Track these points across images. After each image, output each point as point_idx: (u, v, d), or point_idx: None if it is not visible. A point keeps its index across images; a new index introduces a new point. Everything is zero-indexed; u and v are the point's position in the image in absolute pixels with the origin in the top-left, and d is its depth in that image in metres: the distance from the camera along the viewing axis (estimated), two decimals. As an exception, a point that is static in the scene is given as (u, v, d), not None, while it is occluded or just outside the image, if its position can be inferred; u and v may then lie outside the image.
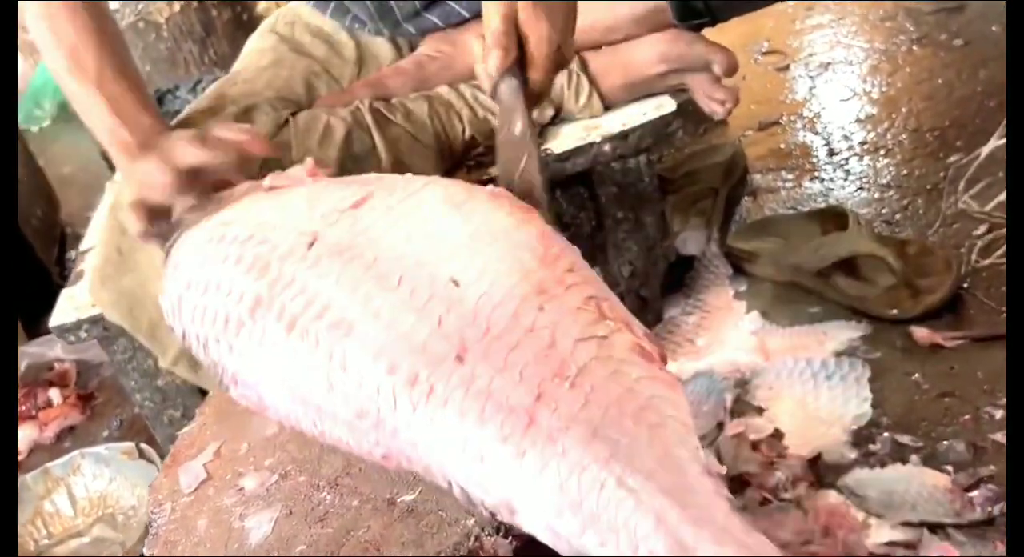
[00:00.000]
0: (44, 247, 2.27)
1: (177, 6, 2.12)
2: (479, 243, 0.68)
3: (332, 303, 0.68)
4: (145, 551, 0.76)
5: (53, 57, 1.07)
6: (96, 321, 1.28)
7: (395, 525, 0.70)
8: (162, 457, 1.42)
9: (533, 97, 0.96)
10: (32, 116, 3.46)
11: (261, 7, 2.37)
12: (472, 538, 0.67)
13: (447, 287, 0.65)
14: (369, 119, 1.26)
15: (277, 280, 0.72)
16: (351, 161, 1.23)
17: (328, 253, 0.71)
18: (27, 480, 1.52)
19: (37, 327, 2.00)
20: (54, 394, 1.79)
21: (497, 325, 0.62)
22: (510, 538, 0.68)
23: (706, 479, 0.57)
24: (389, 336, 0.65)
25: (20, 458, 1.71)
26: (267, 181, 0.89)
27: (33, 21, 1.09)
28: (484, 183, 1.30)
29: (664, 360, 0.63)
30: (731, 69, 1.32)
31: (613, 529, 0.55)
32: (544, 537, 0.58)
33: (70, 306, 1.31)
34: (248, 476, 0.79)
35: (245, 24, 2.17)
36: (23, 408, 1.76)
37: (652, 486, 0.55)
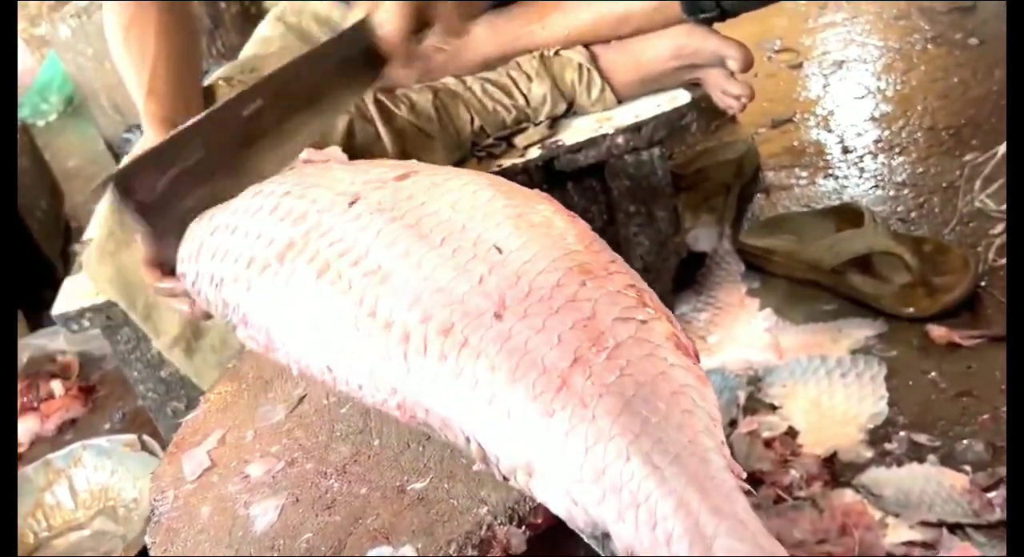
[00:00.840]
0: (48, 239, 2.26)
1: (186, -2, 2.10)
2: (524, 222, 0.68)
3: (370, 253, 0.68)
4: (147, 538, 0.74)
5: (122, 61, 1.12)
6: (99, 310, 1.26)
7: (405, 513, 0.67)
8: (165, 449, 1.41)
9: (389, 44, 0.91)
10: (38, 110, 3.45)
11: (267, 2, 2.35)
12: (484, 527, 0.65)
13: (490, 251, 0.65)
14: (373, 110, 1.24)
15: (314, 228, 0.72)
16: (355, 152, 1.21)
17: (370, 210, 0.71)
18: (28, 472, 1.51)
19: (40, 319, 1.99)
20: (56, 386, 1.78)
21: (539, 290, 0.61)
22: (523, 528, 0.66)
23: (729, 474, 0.55)
24: (426, 287, 0.64)
25: (21, 450, 1.70)
26: (303, 155, 0.89)
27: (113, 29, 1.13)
28: (495, 174, 1.30)
29: (697, 357, 0.61)
30: (746, 64, 1.30)
31: (633, 503, 0.53)
32: (558, 503, 0.57)
33: (73, 294, 1.30)
34: (254, 463, 0.77)
35: (253, 17, 2.15)
36: (25, 400, 1.75)
37: (677, 469, 0.53)
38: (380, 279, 0.66)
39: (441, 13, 0.94)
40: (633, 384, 0.57)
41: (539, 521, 0.66)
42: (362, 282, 0.67)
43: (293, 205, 0.76)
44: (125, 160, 1.23)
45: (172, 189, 0.86)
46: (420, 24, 0.93)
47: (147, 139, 1.05)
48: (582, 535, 0.57)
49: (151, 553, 0.73)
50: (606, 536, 0.55)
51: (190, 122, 0.90)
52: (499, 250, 0.65)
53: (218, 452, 0.80)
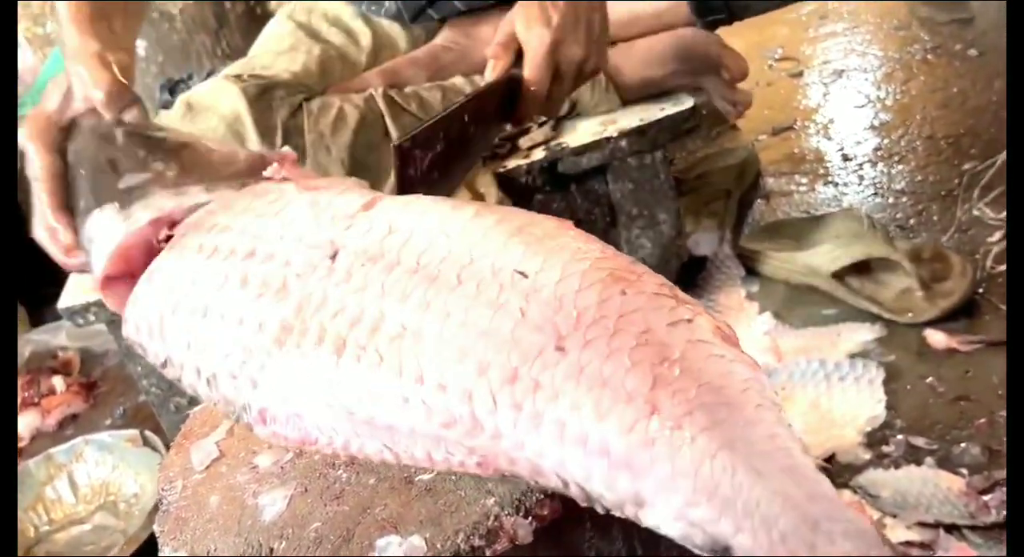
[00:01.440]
0: (50, 237, 2.26)
1: (191, -1, 2.12)
2: (529, 237, 0.64)
3: (385, 315, 0.62)
4: (156, 528, 0.75)
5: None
6: (104, 304, 1.27)
7: (413, 503, 0.68)
8: (167, 445, 1.41)
9: (532, 99, 1.01)
10: (40, 109, 3.45)
11: (273, 4, 2.37)
12: (491, 518, 0.66)
13: (516, 278, 0.61)
14: (382, 106, 1.25)
15: (304, 302, 0.66)
16: (363, 148, 1.23)
17: (359, 262, 0.65)
18: (29, 466, 1.51)
19: (41, 316, 2.00)
20: (57, 382, 1.78)
21: (587, 312, 0.58)
22: (530, 519, 0.66)
23: (808, 458, 0.57)
24: (468, 335, 0.59)
25: (22, 444, 1.70)
26: (267, 172, 0.82)
27: None
28: (499, 175, 1.31)
29: (736, 340, 0.61)
30: (740, 75, 1.33)
31: (747, 513, 0.54)
32: (673, 528, 0.56)
33: (79, 289, 1.31)
34: (262, 454, 0.78)
35: (258, 18, 2.16)
36: (26, 395, 1.75)
37: (772, 466, 0.54)
38: (412, 339, 0.61)
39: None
40: (711, 392, 0.56)
41: (546, 513, 0.67)
42: (392, 349, 0.61)
43: (265, 273, 0.68)
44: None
45: (431, 168, 0.94)
46: (555, 73, 1.03)
47: (70, 36, 0.93)
48: (698, 552, 0.57)
49: (160, 541, 0.73)
50: (727, 549, 0.55)
51: (447, 111, 0.98)
52: (524, 275, 0.61)
53: (227, 443, 0.81)
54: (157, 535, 0.74)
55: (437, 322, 0.60)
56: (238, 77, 1.25)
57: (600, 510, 0.59)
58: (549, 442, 0.57)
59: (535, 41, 1.00)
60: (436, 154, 0.96)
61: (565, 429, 0.57)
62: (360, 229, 0.68)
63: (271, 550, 0.68)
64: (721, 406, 0.56)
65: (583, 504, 0.59)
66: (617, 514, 0.59)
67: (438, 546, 0.64)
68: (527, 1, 1.01)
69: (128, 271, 0.81)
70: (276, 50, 1.36)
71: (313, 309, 0.65)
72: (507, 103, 1.03)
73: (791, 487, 0.54)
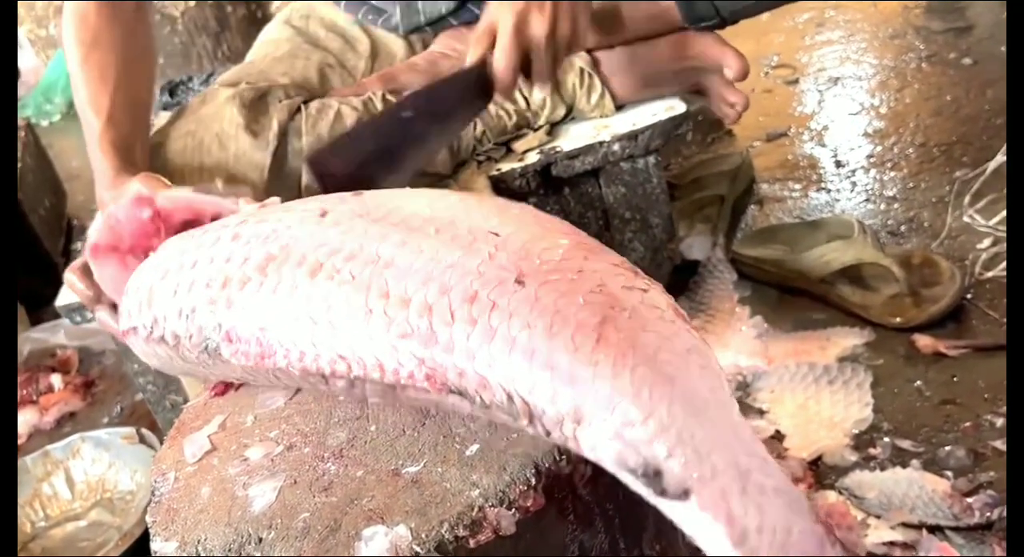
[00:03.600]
0: (50, 237, 2.28)
1: (192, 2, 2.13)
2: (507, 215, 0.70)
3: (364, 247, 0.68)
4: (148, 518, 0.76)
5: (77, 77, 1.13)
6: (103, 302, 1.28)
7: (399, 495, 0.69)
8: (163, 443, 1.43)
9: (502, 79, 1.08)
10: (43, 110, 3.48)
11: (274, 6, 2.38)
12: (476, 509, 0.67)
13: (488, 235, 0.66)
14: (380, 108, 1.27)
15: (291, 241, 0.71)
16: None
17: (347, 217, 0.71)
18: (26, 462, 1.52)
19: (40, 315, 2.02)
20: (56, 380, 1.80)
21: (549, 262, 0.64)
22: (513, 510, 0.68)
23: (745, 420, 0.60)
24: (435, 266, 0.65)
25: (20, 441, 1.72)
26: (244, 204, 0.89)
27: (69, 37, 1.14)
28: (494, 179, 1.33)
29: (689, 322, 0.65)
30: (742, 72, 1.33)
31: (680, 441, 0.57)
32: (608, 447, 0.59)
33: (77, 286, 1.32)
34: (253, 447, 0.79)
35: (259, 21, 2.18)
36: (24, 393, 1.77)
37: (713, 413, 0.58)
38: (384, 265, 0.67)
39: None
40: (656, 340, 0.60)
41: (529, 504, 0.69)
42: (365, 270, 0.67)
43: (257, 229, 0.75)
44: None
45: (359, 172, 1.01)
46: (525, 61, 1.09)
47: (100, 163, 1.07)
48: (630, 476, 0.59)
49: (152, 531, 0.75)
50: (657, 473, 0.58)
51: (368, 120, 1.11)
52: (496, 234, 0.66)
53: (218, 436, 0.82)
54: (149, 525, 0.75)
55: (409, 255, 0.66)
56: (235, 85, 1.26)
57: (541, 431, 0.62)
58: (499, 354, 0.62)
59: (502, 22, 1.07)
60: (367, 156, 1.03)
61: (515, 344, 0.61)
62: (351, 204, 0.74)
63: (260, 540, 0.69)
64: (664, 351, 0.60)
65: (523, 423, 0.63)
66: (555, 435, 0.62)
67: (423, 536, 0.66)
68: None
69: (115, 242, 0.90)
70: (275, 55, 1.37)
71: (299, 245, 0.71)
72: (485, 87, 1.10)
73: (728, 435, 0.58)
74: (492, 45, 1.09)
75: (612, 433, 0.59)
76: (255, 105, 1.22)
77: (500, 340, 0.62)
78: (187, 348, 0.78)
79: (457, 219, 0.69)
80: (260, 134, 1.19)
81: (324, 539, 0.68)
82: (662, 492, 0.58)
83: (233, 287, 0.72)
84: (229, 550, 0.69)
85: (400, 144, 1.06)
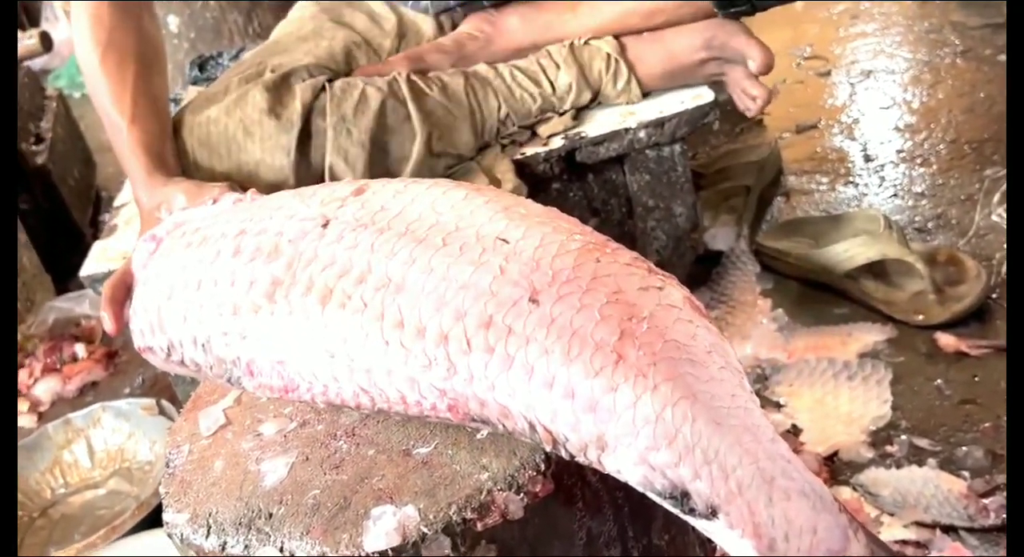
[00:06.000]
0: (79, 207, 2.30)
1: (225, -24, 2.14)
2: (513, 214, 0.68)
3: (372, 268, 0.66)
4: (161, 489, 0.77)
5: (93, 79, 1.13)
6: (126, 274, 1.29)
7: (409, 475, 0.70)
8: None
9: None
10: (75, 82, 3.50)
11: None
12: (484, 492, 0.67)
13: (497, 243, 0.65)
14: (405, 90, 1.26)
15: (295, 259, 0.69)
16: (384, 131, 1.24)
17: (350, 228, 0.69)
18: (48, 429, 1.55)
19: (67, 285, 2.04)
20: (79, 349, 1.81)
21: (562, 272, 0.62)
22: (522, 495, 0.68)
23: (766, 419, 0.61)
24: (448, 287, 0.63)
25: (42, 409, 1.74)
26: (227, 197, 0.90)
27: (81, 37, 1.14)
28: (517, 163, 1.32)
29: (707, 315, 0.65)
30: (766, 66, 1.32)
31: (706, 460, 0.57)
32: (634, 472, 0.59)
33: (102, 257, 1.33)
34: (267, 423, 0.80)
35: (290, -2, 2.18)
36: (48, 361, 1.79)
37: (733, 421, 0.58)
38: (395, 290, 0.65)
39: None
40: (676, 348, 0.60)
41: (538, 490, 0.69)
42: (376, 297, 0.65)
43: (258, 242, 0.72)
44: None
45: None
46: None
47: (132, 164, 1.07)
48: (657, 498, 0.60)
49: (164, 502, 0.76)
50: (685, 495, 0.58)
51: None
52: (505, 241, 0.65)
53: (233, 411, 0.83)
54: (162, 496, 0.76)
55: (420, 275, 0.65)
56: (261, 61, 1.27)
57: (565, 455, 0.62)
58: (518, 384, 0.61)
59: None
60: None
61: (534, 372, 0.61)
62: (352, 207, 0.72)
63: (270, 515, 0.70)
64: (685, 361, 0.59)
65: (548, 448, 0.63)
66: (580, 460, 0.62)
67: (431, 517, 0.66)
68: None
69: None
70: (299, 35, 1.37)
71: (303, 265, 0.69)
72: None
73: (750, 442, 0.58)
74: None
75: (637, 458, 0.59)
76: (278, 87, 1.22)
77: (519, 368, 0.61)
78: (209, 375, 0.78)
79: (463, 224, 0.67)
80: (283, 115, 1.19)
81: (333, 516, 0.68)
82: (690, 511, 0.59)
83: (244, 317, 0.71)
84: (239, 524, 0.70)
85: None
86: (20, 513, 1.48)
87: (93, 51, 1.12)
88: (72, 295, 1.94)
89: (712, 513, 0.58)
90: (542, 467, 0.68)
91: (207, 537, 0.70)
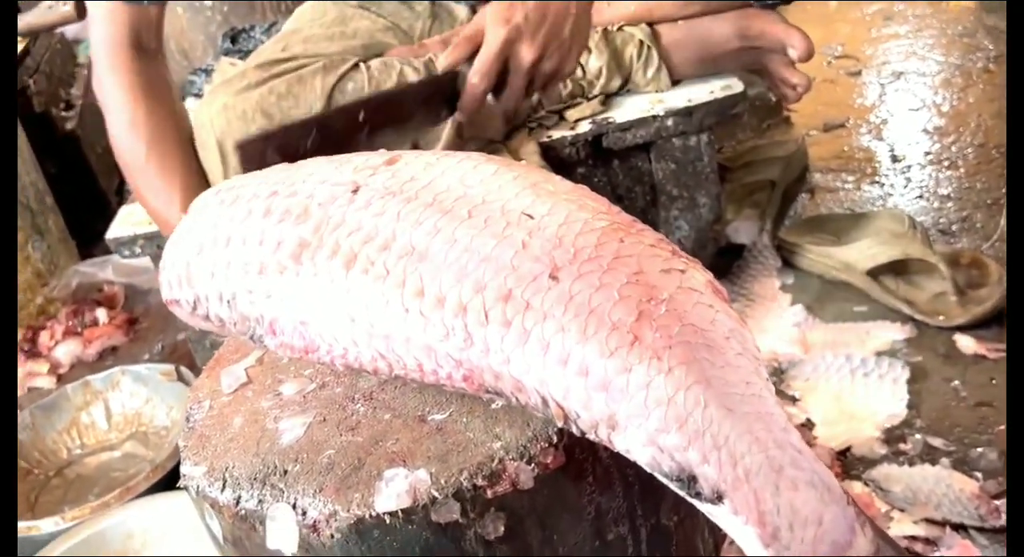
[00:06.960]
0: (106, 175, 2.32)
1: (260, -48, 2.15)
2: (541, 190, 0.68)
3: (397, 236, 0.67)
4: (180, 442, 0.78)
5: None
6: (151, 238, 1.31)
7: (423, 440, 0.70)
8: (199, 380, 1.46)
9: (470, 95, 1.07)
10: (107, 53, 3.52)
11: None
12: (496, 460, 0.68)
13: (522, 218, 0.65)
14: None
15: (323, 223, 0.70)
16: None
17: (379, 195, 0.69)
18: (67, 390, 1.56)
19: (91, 251, 2.06)
20: (101, 314, 1.83)
21: (584, 250, 0.62)
22: (533, 466, 0.69)
23: (780, 408, 0.61)
24: (470, 258, 0.63)
25: (62, 371, 1.76)
26: None
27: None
28: (544, 146, 1.33)
29: (728, 300, 0.64)
30: (807, 53, 1.32)
31: (715, 446, 0.57)
32: (642, 452, 0.60)
33: (128, 221, 1.35)
34: (287, 383, 0.81)
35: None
36: (70, 324, 1.81)
37: (746, 409, 0.58)
38: (418, 258, 0.65)
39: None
40: (693, 332, 0.59)
41: (549, 461, 0.69)
42: (399, 264, 0.65)
43: (288, 204, 0.73)
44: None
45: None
46: (498, 86, 1.07)
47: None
48: (664, 479, 0.60)
49: (182, 455, 0.77)
50: (692, 479, 0.59)
51: (314, 116, 1.09)
52: (530, 216, 0.65)
53: (255, 370, 0.84)
54: (180, 449, 0.77)
55: (443, 246, 0.65)
56: (285, 47, 1.27)
57: (576, 432, 0.63)
58: (533, 359, 0.61)
59: (490, 37, 1.04)
60: (301, 152, 1.00)
61: (549, 348, 0.61)
62: (383, 176, 0.72)
63: (285, 471, 0.71)
64: (701, 346, 0.59)
65: (559, 424, 0.63)
66: (591, 437, 0.62)
67: (442, 482, 0.67)
68: None
69: None
70: (321, 22, 1.36)
71: (331, 228, 0.69)
72: (450, 98, 1.09)
73: (761, 430, 0.58)
74: (471, 55, 1.06)
75: (646, 439, 0.59)
76: (292, 85, 1.22)
77: (534, 343, 0.61)
78: (233, 332, 0.79)
79: (489, 198, 0.67)
80: (302, 97, 1.20)
81: (347, 476, 0.69)
82: (696, 495, 0.59)
83: (270, 276, 0.72)
84: (255, 479, 0.71)
85: (341, 145, 1.00)
86: (36, 471, 1.50)
87: (126, 97, 1.24)
88: (96, 260, 1.95)
89: (718, 498, 0.58)
90: (554, 440, 0.69)
91: (222, 490, 0.71)
